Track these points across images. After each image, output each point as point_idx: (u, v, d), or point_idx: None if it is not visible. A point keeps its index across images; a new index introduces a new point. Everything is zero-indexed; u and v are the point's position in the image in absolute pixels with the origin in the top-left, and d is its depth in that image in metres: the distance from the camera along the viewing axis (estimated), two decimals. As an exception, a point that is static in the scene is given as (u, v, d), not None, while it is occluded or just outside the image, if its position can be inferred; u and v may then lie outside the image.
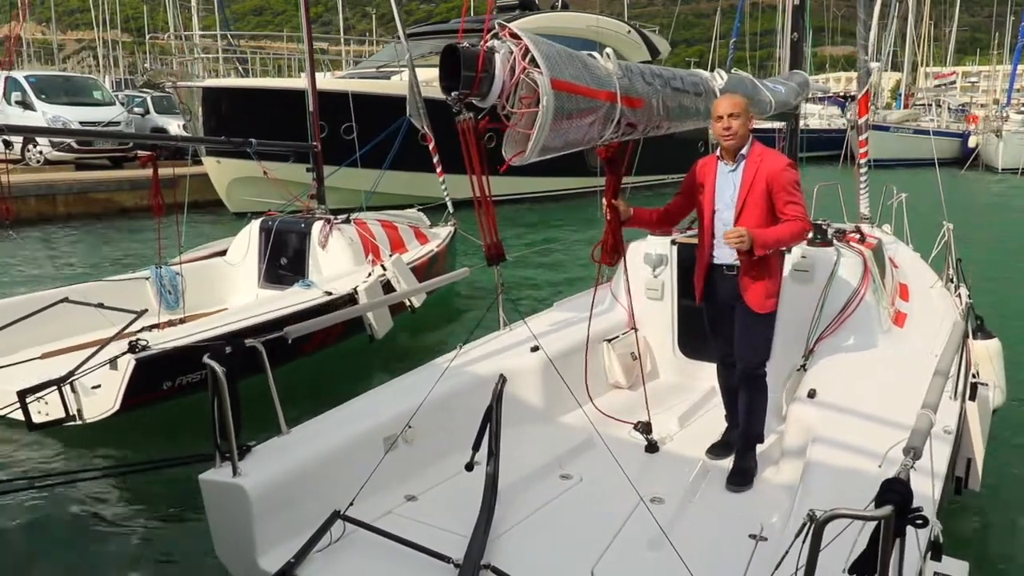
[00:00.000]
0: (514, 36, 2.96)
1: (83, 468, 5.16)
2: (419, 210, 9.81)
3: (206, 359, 2.98)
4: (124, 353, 5.00)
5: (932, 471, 2.61)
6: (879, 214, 7.66)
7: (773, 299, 3.87)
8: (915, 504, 1.92)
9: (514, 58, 2.93)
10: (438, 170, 8.85)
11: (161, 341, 5.27)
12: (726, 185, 3.85)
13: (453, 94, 2.96)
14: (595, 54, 3.29)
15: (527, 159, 3.08)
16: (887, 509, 1.86)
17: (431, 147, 8.75)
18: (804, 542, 1.93)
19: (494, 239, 3.73)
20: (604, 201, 4.02)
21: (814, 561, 1.89)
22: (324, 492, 3.24)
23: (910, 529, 1.92)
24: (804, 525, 1.93)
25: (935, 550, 2.35)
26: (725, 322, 4.00)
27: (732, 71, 4.43)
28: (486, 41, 2.96)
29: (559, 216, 17.37)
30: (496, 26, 3.00)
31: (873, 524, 1.89)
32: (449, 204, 9.39)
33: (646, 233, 5.19)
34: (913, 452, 2.13)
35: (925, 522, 1.91)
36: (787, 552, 2.07)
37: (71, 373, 4.96)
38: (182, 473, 3.77)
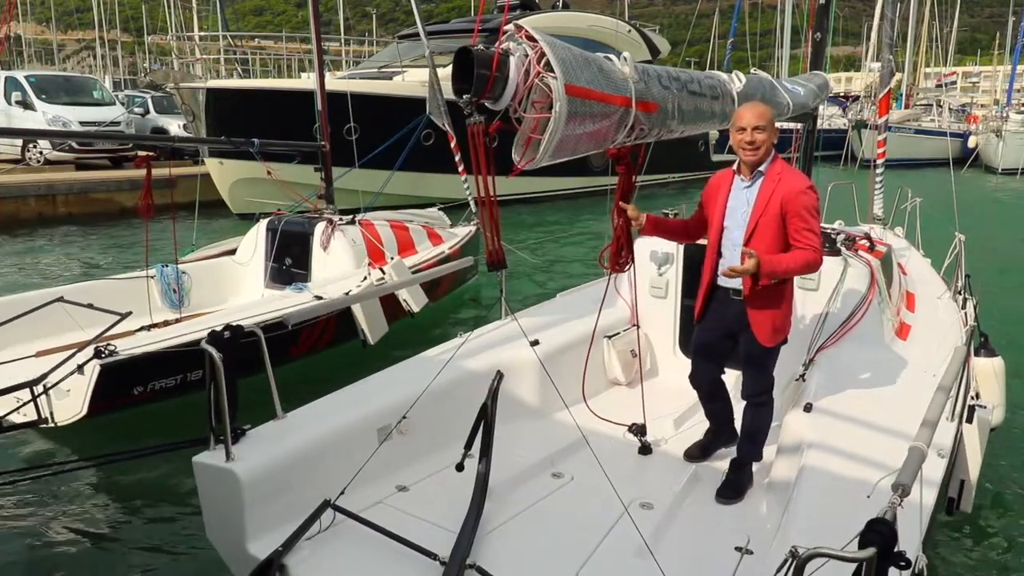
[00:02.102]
0: (530, 39, 2.90)
1: (81, 457, 5.14)
2: (440, 209, 9.62)
3: (204, 344, 2.96)
4: (91, 359, 4.94)
5: (921, 506, 2.59)
6: (892, 217, 7.61)
7: (783, 333, 3.65)
8: (902, 533, 1.91)
9: (529, 61, 2.87)
10: (460, 168, 8.71)
11: (131, 346, 5.19)
12: (739, 202, 3.61)
13: (465, 96, 2.91)
14: (613, 57, 3.22)
15: (537, 163, 3.03)
16: (869, 551, 1.85)
17: (452, 145, 8.64)
18: None
19: (496, 244, 3.68)
20: (614, 204, 3.93)
21: None
22: (316, 479, 3.23)
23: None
24: (786, 561, 1.92)
25: None
26: (719, 348, 3.83)
27: (752, 71, 4.32)
28: (501, 42, 2.90)
29: (560, 216, 17.29)
30: (513, 27, 2.94)
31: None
32: (472, 204, 9.06)
33: None
34: (901, 489, 2.11)
35: (908, 564, 1.90)
36: None
37: (40, 378, 4.88)
38: (179, 456, 3.80)
